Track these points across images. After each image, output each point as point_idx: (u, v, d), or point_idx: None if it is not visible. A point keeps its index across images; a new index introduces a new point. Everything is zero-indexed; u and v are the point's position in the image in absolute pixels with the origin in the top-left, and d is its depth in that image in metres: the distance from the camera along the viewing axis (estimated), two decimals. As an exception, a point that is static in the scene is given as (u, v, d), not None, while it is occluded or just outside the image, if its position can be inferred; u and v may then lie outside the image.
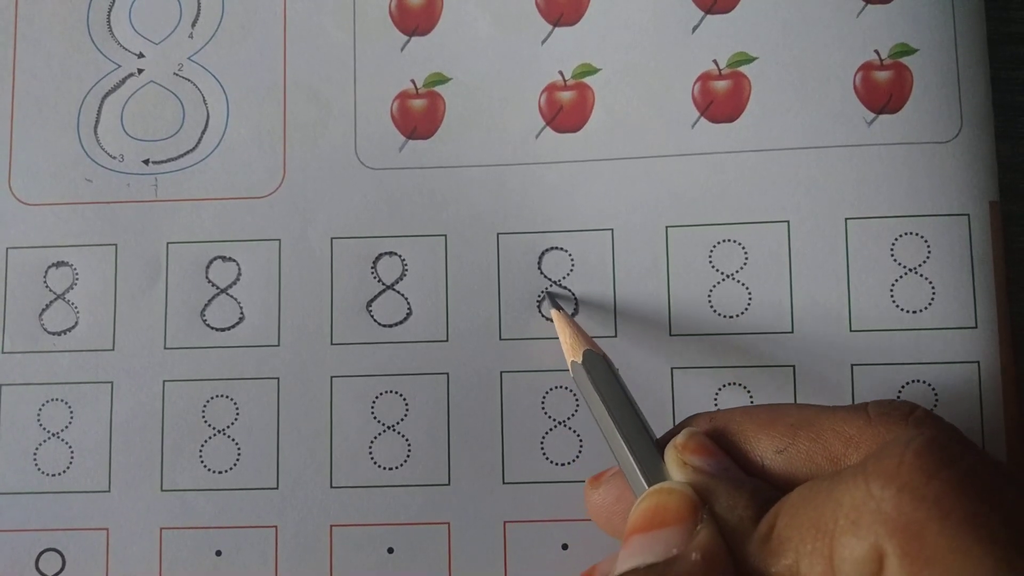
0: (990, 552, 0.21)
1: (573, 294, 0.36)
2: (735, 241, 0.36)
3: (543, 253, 0.37)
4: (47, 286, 0.37)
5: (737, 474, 0.27)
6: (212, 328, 0.37)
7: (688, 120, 0.37)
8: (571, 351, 0.32)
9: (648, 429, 0.29)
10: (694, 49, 0.37)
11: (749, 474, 0.27)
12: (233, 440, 0.36)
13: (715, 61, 0.37)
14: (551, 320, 0.36)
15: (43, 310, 0.37)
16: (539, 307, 0.36)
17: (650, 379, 0.36)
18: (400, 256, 0.37)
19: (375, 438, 0.36)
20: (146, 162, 0.38)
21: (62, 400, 0.37)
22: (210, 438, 0.36)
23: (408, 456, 0.36)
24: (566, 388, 0.36)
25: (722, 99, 0.37)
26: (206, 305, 0.37)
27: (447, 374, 0.36)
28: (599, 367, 0.31)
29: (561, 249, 0.36)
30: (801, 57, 0.36)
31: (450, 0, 0.38)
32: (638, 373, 0.36)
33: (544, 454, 0.36)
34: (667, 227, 0.36)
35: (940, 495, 0.22)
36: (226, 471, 0.36)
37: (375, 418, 0.36)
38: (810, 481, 0.25)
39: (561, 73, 0.37)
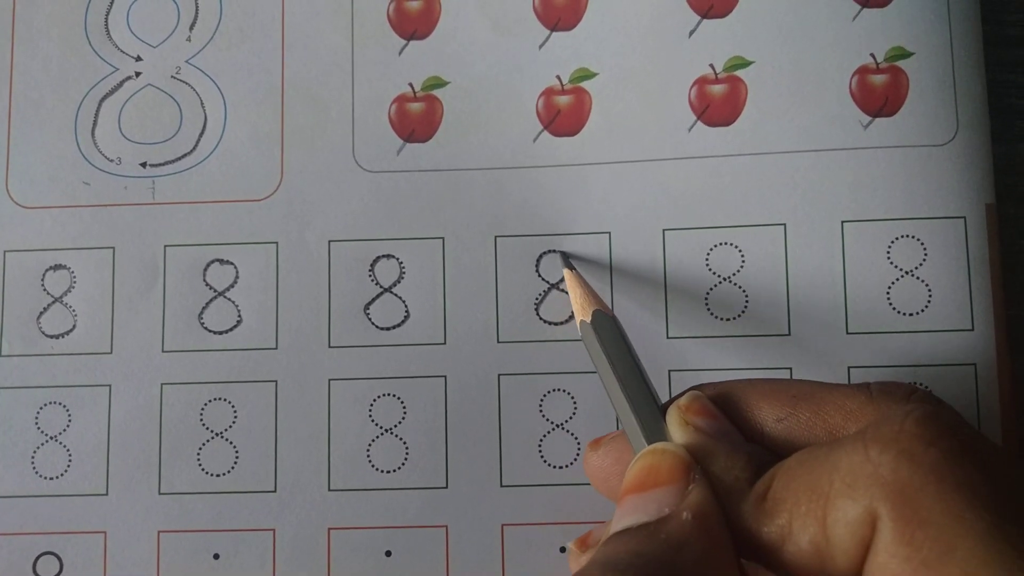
0: (981, 517, 0.22)
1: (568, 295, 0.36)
2: (732, 244, 0.36)
3: (541, 256, 0.37)
4: (45, 289, 0.37)
5: (736, 438, 0.27)
6: (210, 331, 0.37)
7: (685, 124, 0.37)
8: (581, 310, 0.33)
9: (653, 391, 0.30)
10: (690, 53, 0.37)
11: (749, 440, 0.27)
12: (231, 443, 0.36)
13: (711, 65, 0.37)
14: (550, 322, 0.36)
15: (41, 313, 0.37)
16: (536, 310, 0.36)
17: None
18: (398, 259, 0.37)
19: (373, 441, 0.36)
20: (143, 165, 0.38)
21: (60, 403, 0.37)
22: (208, 441, 0.36)
23: (406, 459, 0.36)
24: (564, 391, 0.36)
25: (718, 103, 0.37)
26: (204, 308, 0.37)
27: (445, 377, 0.36)
28: (607, 327, 0.32)
29: (559, 252, 0.36)
30: (797, 61, 0.36)
31: (448, 4, 0.38)
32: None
33: (542, 457, 0.36)
34: (664, 230, 0.36)
35: (937, 462, 0.23)
36: (224, 474, 0.36)
37: (373, 421, 0.36)
38: (808, 447, 0.25)
39: (559, 77, 0.37)
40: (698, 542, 0.24)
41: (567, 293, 0.36)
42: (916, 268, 0.35)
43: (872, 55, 0.36)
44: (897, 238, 0.35)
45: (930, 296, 0.35)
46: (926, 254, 0.35)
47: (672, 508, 0.25)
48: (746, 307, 0.36)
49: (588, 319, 0.32)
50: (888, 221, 0.35)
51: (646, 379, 0.30)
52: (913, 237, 0.35)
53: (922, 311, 0.35)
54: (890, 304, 0.35)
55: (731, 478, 0.25)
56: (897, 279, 0.35)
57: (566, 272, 0.35)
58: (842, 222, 0.36)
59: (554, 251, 0.36)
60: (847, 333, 0.35)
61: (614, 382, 0.30)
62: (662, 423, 0.28)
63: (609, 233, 0.36)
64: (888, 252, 0.35)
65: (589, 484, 0.35)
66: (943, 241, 0.35)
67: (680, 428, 0.27)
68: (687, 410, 0.28)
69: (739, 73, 0.37)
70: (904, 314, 0.35)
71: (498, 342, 0.36)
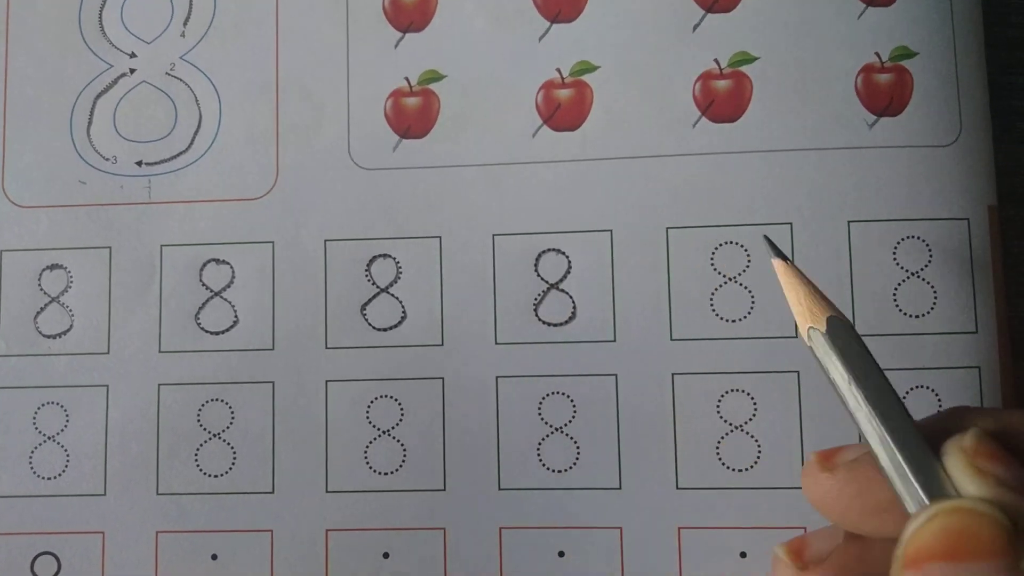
0: None
1: (571, 297, 0.36)
2: (737, 243, 0.35)
3: (540, 255, 0.36)
4: (41, 289, 0.37)
5: None
6: (206, 331, 0.37)
7: (689, 119, 0.36)
8: (809, 316, 0.26)
9: (911, 418, 0.25)
10: (695, 48, 0.36)
11: None
12: (228, 444, 0.36)
13: (716, 60, 0.36)
14: (549, 324, 0.36)
15: (38, 313, 0.37)
16: (535, 311, 0.36)
17: (650, 385, 0.35)
18: (394, 258, 0.36)
19: (370, 442, 0.36)
20: (139, 163, 0.37)
21: (57, 403, 0.37)
22: (205, 442, 0.36)
23: (403, 461, 0.36)
24: (563, 394, 0.35)
25: (723, 99, 0.36)
26: (200, 308, 0.37)
27: (442, 379, 0.36)
28: (847, 337, 0.26)
29: (559, 251, 0.36)
30: (803, 57, 0.35)
31: (445, -4, 0.37)
32: (637, 379, 0.35)
33: (540, 460, 0.35)
34: (667, 228, 0.36)
35: None
36: (221, 475, 0.36)
37: (370, 422, 0.36)
38: None
39: (559, 71, 0.36)
40: None
41: (566, 293, 0.36)
42: (921, 270, 0.34)
43: (877, 54, 0.35)
44: (903, 239, 0.34)
45: (935, 298, 0.34)
46: (931, 255, 0.34)
47: None
48: (752, 308, 0.35)
49: (822, 327, 0.26)
50: (893, 222, 0.34)
51: (903, 404, 0.25)
52: (918, 238, 0.34)
53: (927, 313, 0.34)
54: (896, 306, 0.34)
55: None
56: (903, 280, 0.34)
57: (778, 264, 0.28)
58: (848, 222, 0.35)
59: (769, 239, 0.30)
60: (853, 336, 0.34)
61: (865, 408, 0.25)
62: (938, 467, 0.23)
63: (611, 231, 0.36)
64: (894, 253, 0.34)
65: (588, 489, 0.35)
66: (947, 242, 0.34)
67: (972, 478, 0.23)
68: (977, 454, 0.23)
69: (744, 69, 0.36)
70: (910, 316, 0.34)
71: (496, 343, 0.36)
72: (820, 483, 0.26)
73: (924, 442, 0.24)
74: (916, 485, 0.23)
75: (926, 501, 0.23)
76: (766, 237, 0.30)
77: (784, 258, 0.28)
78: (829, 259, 0.35)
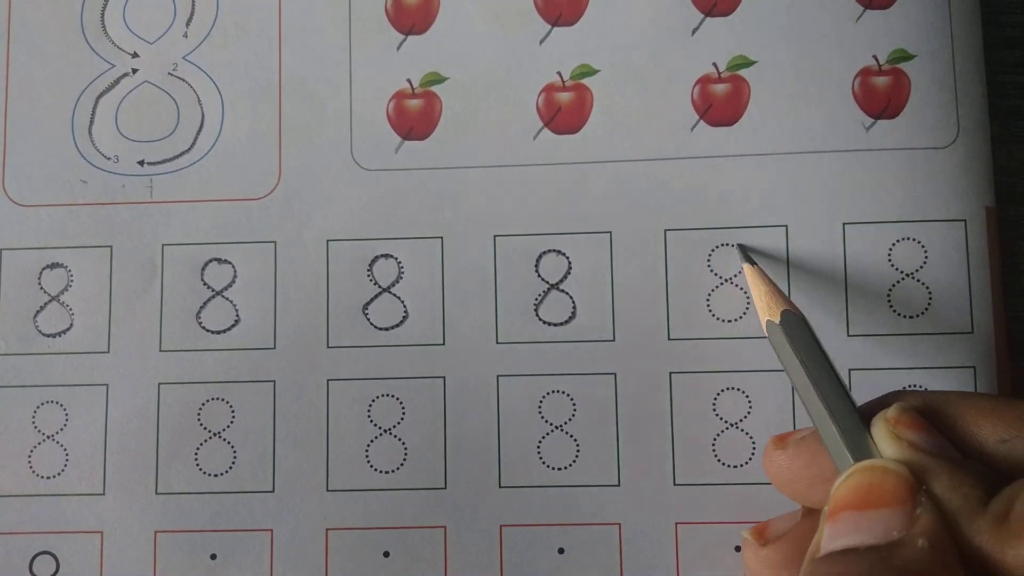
0: None
1: (571, 297, 0.36)
2: (733, 245, 0.36)
3: (541, 255, 0.36)
4: (42, 288, 0.37)
5: (955, 454, 0.26)
6: (207, 331, 0.37)
7: (687, 123, 0.36)
8: (767, 309, 0.31)
9: (851, 397, 0.28)
10: (693, 51, 0.37)
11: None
12: (229, 443, 0.36)
13: (715, 64, 0.36)
14: (550, 323, 0.36)
15: (38, 312, 0.37)
16: (536, 310, 0.36)
17: (648, 384, 0.36)
18: (396, 258, 0.37)
19: (371, 441, 0.36)
20: (141, 163, 0.37)
21: (57, 402, 0.37)
22: (205, 441, 0.36)
23: (405, 460, 0.36)
24: (563, 393, 0.36)
25: (721, 102, 0.36)
26: (201, 307, 0.37)
27: (444, 378, 0.36)
28: (798, 328, 0.30)
29: (559, 252, 0.36)
30: (800, 61, 0.36)
31: (447, -1, 0.37)
32: (636, 377, 0.36)
33: (541, 458, 0.36)
34: (665, 230, 0.36)
35: None
36: (221, 474, 0.36)
37: (371, 421, 0.36)
38: None
39: (559, 74, 0.37)
40: (936, 571, 0.23)
41: (567, 294, 0.36)
42: (917, 270, 0.35)
43: (875, 57, 0.36)
44: (898, 240, 0.35)
45: (930, 299, 0.35)
46: (926, 256, 0.35)
47: (901, 532, 0.24)
48: (747, 309, 0.36)
49: (777, 319, 0.31)
50: (889, 223, 0.35)
51: (843, 384, 0.29)
52: (914, 239, 0.35)
53: (922, 313, 0.35)
54: (891, 306, 0.35)
55: (960, 497, 0.24)
56: (898, 281, 0.35)
57: (747, 268, 0.34)
58: (843, 224, 0.35)
59: (743, 246, 0.36)
60: (848, 335, 0.35)
61: (810, 388, 0.29)
62: (867, 435, 0.27)
63: (610, 232, 0.36)
64: (889, 254, 0.35)
65: (588, 486, 0.35)
66: (944, 244, 0.35)
67: (891, 442, 0.26)
68: (898, 423, 0.26)
69: (742, 73, 0.36)
70: (905, 316, 0.35)
71: (497, 343, 0.36)
72: (774, 459, 0.30)
73: (858, 417, 0.28)
74: (847, 452, 0.27)
75: (851, 463, 0.26)
76: (738, 245, 0.35)
77: (752, 263, 0.34)
78: (824, 261, 0.35)
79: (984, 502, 0.24)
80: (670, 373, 0.36)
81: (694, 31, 0.37)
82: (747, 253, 0.35)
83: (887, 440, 0.26)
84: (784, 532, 0.30)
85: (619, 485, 0.35)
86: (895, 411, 0.27)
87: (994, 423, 0.26)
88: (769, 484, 0.35)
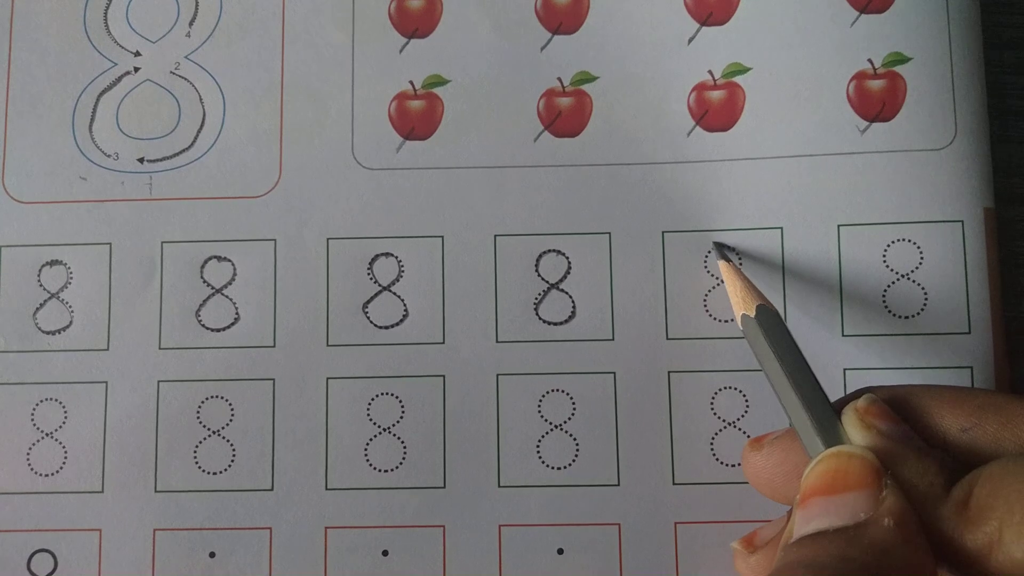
0: None
1: (571, 297, 0.36)
2: (730, 247, 0.36)
3: (541, 255, 0.37)
4: (41, 285, 0.37)
5: (920, 443, 0.27)
6: (207, 328, 0.37)
7: (684, 129, 0.37)
8: (742, 304, 0.32)
9: (823, 389, 0.29)
10: (690, 60, 0.37)
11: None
12: (228, 441, 0.36)
13: (710, 72, 0.37)
14: (549, 322, 0.36)
15: (37, 309, 0.37)
16: (536, 310, 0.36)
17: (647, 383, 0.36)
18: (397, 257, 0.37)
19: (370, 440, 0.36)
20: (141, 160, 0.37)
21: (56, 400, 0.36)
22: (205, 439, 0.36)
23: (404, 458, 0.36)
24: (563, 392, 0.36)
25: (717, 109, 0.37)
26: (201, 305, 0.37)
27: (443, 376, 0.36)
28: (772, 322, 0.31)
29: (559, 252, 0.37)
30: (795, 67, 0.37)
31: (450, 3, 0.38)
32: (635, 377, 0.36)
33: (540, 458, 0.36)
34: (663, 232, 0.37)
35: None
36: (220, 472, 0.36)
37: (371, 420, 0.36)
38: (1011, 455, 0.25)
39: (560, 80, 0.37)
40: (902, 548, 0.24)
41: (566, 293, 0.36)
42: (912, 271, 0.36)
43: (870, 60, 0.36)
44: (893, 242, 0.36)
45: (925, 299, 0.36)
46: (922, 258, 0.36)
47: (868, 513, 0.25)
48: (711, 249, 0.36)
49: (752, 313, 0.31)
50: (884, 225, 0.36)
51: (814, 377, 0.29)
52: (909, 241, 0.36)
53: (918, 314, 0.36)
54: (886, 307, 0.36)
55: (924, 483, 0.25)
56: (893, 282, 0.36)
57: (723, 265, 0.35)
58: (838, 226, 0.36)
59: (720, 244, 0.36)
60: (843, 335, 0.36)
61: (784, 380, 0.29)
62: (838, 425, 0.28)
63: (609, 234, 0.37)
64: (884, 255, 0.36)
65: (587, 486, 0.36)
66: (940, 245, 0.36)
67: (860, 431, 0.27)
68: (866, 413, 0.27)
69: (737, 79, 0.37)
70: (900, 317, 0.36)
71: (497, 342, 0.36)
72: (750, 460, 0.31)
73: (831, 408, 0.28)
74: (819, 440, 0.28)
75: (822, 451, 0.27)
76: (715, 243, 0.36)
77: (727, 260, 0.35)
78: (819, 262, 0.36)
79: (946, 488, 0.25)
80: (669, 372, 0.36)
81: (690, 40, 0.37)
82: (723, 251, 0.36)
83: (856, 428, 0.27)
84: (771, 538, 0.30)
85: (618, 485, 0.36)
86: (864, 401, 0.28)
87: (956, 413, 0.27)
88: (767, 483, 0.35)
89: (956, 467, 0.26)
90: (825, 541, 0.25)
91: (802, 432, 0.28)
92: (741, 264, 0.36)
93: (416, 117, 0.37)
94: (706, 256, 0.36)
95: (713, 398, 0.36)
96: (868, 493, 0.25)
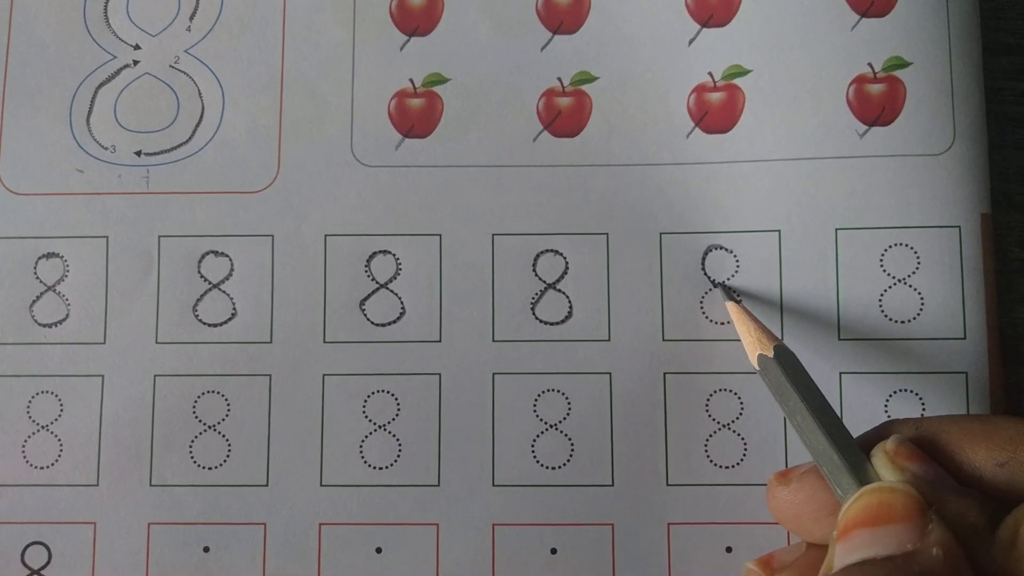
0: None
1: (568, 297, 0.36)
2: (727, 249, 0.36)
3: (538, 255, 0.37)
4: (37, 277, 0.37)
5: (954, 483, 0.26)
6: (204, 323, 0.37)
7: (683, 130, 0.37)
8: (758, 345, 0.32)
9: (846, 428, 0.29)
10: (690, 61, 0.37)
11: (962, 485, 0.27)
12: (224, 436, 0.36)
13: (710, 73, 0.37)
14: (546, 322, 0.36)
15: (34, 301, 0.37)
16: (532, 309, 0.36)
17: (642, 384, 0.36)
18: (394, 255, 0.37)
19: (366, 437, 0.36)
20: (138, 154, 0.37)
21: (52, 393, 0.36)
22: (200, 434, 0.36)
23: (399, 456, 0.36)
24: (559, 391, 0.36)
25: (716, 110, 0.37)
26: (198, 300, 0.37)
27: (439, 374, 0.36)
28: (791, 361, 0.31)
29: (556, 252, 0.37)
30: (795, 70, 0.37)
31: (451, 2, 0.38)
32: (630, 378, 0.36)
33: (535, 457, 0.36)
34: (661, 234, 0.37)
35: None
36: (216, 467, 0.36)
37: (366, 417, 0.36)
38: None
39: (560, 79, 0.37)
40: None
41: (563, 293, 0.36)
42: (909, 276, 0.36)
43: (870, 64, 0.36)
44: (890, 246, 0.36)
45: (922, 304, 0.36)
46: (919, 262, 0.36)
47: (914, 544, 0.24)
48: (715, 288, 0.36)
49: (770, 354, 0.31)
50: (882, 229, 0.36)
51: (838, 416, 0.29)
52: (906, 245, 0.36)
53: (914, 319, 0.36)
54: (882, 311, 0.36)
55: (967, 523, 0.25)
56: (890, 287, 0.36)
57: (731, 306, 0.35)
58: (836, 229, 0.36)
59: (724, 285, 0.36)
60: (839, 339, 0.36)
61: (810, 420, 0.29)
62: (867, 465, 0.28)
63: (607, 234, 0.37)
64: (881, 260, 0.36)
65: (581, 486, 0.36)
66: (937, 250, 0.36)
67: (891, 473, 0.27)
68: (896, 454, 0.27)
69: (737, 81, 0.37)
70: (896, 321, 0.36)
71: (493, 341, 0.36)
72: (777, 495, 0.30)
73: (857, 448, 0.28)
74: (852, 479, 0.27)
75: (857, 489, 0.27)
76: (720, 285, 0.36)
77: (736, 301, 0.35)
78: (815, 265, 0.36)
79: (988, 529, 0.25)
80: (664, 374, 0.36)
81: (691, 41, 0.37)
82: (730, 293, 0.36)
83: (888, 471, 0.27)
84: (790, 562, 0.30)
85: (612, 485, 0.36)
86: (893, 443, 0.27)
87: (988, 447, 0.27)
88: (761, 485, 0.35)
89: (994, 506, 0.25)
90: (872, 568, 0.24)
91: (831, 472, 0.28)
92: (738, 268, 0.36)
93: (416, 115, 0.37)
94: (703, 258, 0.36)
95: (708, 400, 0.36)
96: (914, 526, 0.25)
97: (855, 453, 0.28)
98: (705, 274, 0.36)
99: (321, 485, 0.36)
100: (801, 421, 0.30)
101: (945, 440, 0.28)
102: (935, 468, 0.27)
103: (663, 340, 0.36)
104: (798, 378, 0.30)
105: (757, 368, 0.32)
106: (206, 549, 0.36)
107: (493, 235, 0.37)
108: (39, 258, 0.37)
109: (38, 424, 0.36)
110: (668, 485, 0.36)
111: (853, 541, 0.25)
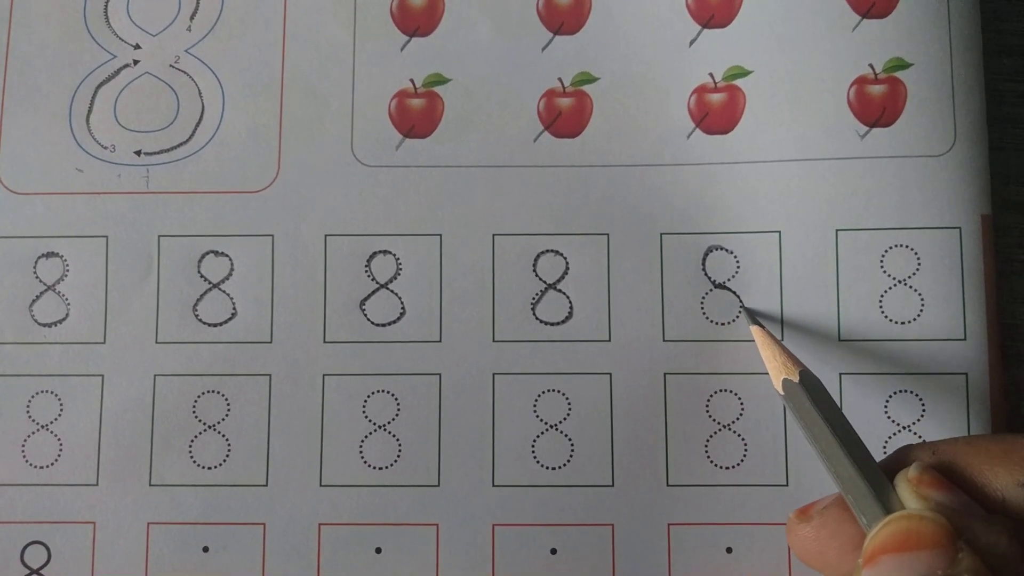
0: None
1: (568, 298, 0.36)
2: (727, 250, 0.36)
3: (539, 255, 0.37)
4: (37, 277, 0.37)
5: (980, 510, 0.26)
6: (204, 323, 0.37)
7: (684, 131, 0.37)
8: (783, 369, 0.32)
9: (871, 454, 0.29)
10: (691, 62, 0.37)
11: (987, 510, 0.26)
12: (223, 436, 0.36)
13: (711, 74, 0.37)
14: (546, 322, 0.36)
15: (33, 301, 0.37)
16: (533, 310, 0.36)
17: (643, 384, 0.36)
18: (395, 255, 0.37)
19: (366, 437, 0.36)
20: (138, 153, 0.37)
21: (52, 392, 0.36)
22: (200, 434, 0.36)
23: (398, 456, 0.36)
24: (559, 392, 0.36)
25: (717, 111, 0.37)
26: (198, 300, 0.37)
27: (439, 375, 0.36)
28: (816, 387, 0.31)
29: (557, 252, 0.37)
30: (796, 71, 0.37)
31: (452, 3, 0.38)
32: (631, 378, 0.36)
33: (535, 458, 0.36)
34: (661, 234, 0.37)
35: None
36: (215, 467, 0.36)
37: (366, 417, 0.36)
38: None
39: (560, 80, 0.37)
40: None
41: (563, 293, 0.36)
42: (909, 277, 0.36)
43: (871, 65, 0.36)
44: (891, 247, 0.36)
45: (922, 305, 0.36)
46: (919, 263, 0.36)
47: (944, 572, 0.24)
48: (740, 313, 0.36)
49: (795, 379, 0.31)
50: (882, 230, 0.36)
51: (863, 443, 0.29)
52: (907, 247, 0.36)
53: (914, 320, 0.36)
54: (882, 312, 0.36)
55: (998, 552, 0.25)
56: (890, 288, 0.36)
57: (756, 331, 0.34)
58: (836, 230, 0.36)
59: (749, 309, 0.36)
60: (839, 340, 0.36)
61: (835, 447, 0.29)
62: (892, 492, 0.27)
63: (607, 235, 0.37)
64: (881, 261, 0.36)
65: (581, 486, 0.36)
66: (937, 251, 0.36)
67: (916, 501, 0.26)
68: (920, 483, 0.27)
69: (738, 82, 0.37)
70: (896, 322, 0.36)
71: (494, 341, 0.36)
72: (799, 533, 0.29)
73: (883, 475, 0.28)
74: (878, 506, 0.27)
75: (883, 517, 0.26)
76: (744, 308, 0.36)
77: (760, 325, 0.35)
78: (816, 266, 0.36)
79: (1020, 557, 0.25)
80: (664, 374, 0.36)
81: (691, 42, 0.37)
82: (754, 316, 0.36)
83: (913, 500, 0.27)
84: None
85: (613, 485, 0.36)
86: (916, 471, 0.27)
87: (1008, 467, 0.27)
88: (760, 486, 0.35)
89: (1021, 528, 0.25)
90: None
91: (855, 499, 0.28)
92: (739, 268, 0.36)
93: (416, 115, 0.37)
94: (704, 258, 0.36)
95: (708, 400, 0.36)
96: (943, 553, 0.25)
97: (880, 481, 0.28)
98: (706, 275, 0.36)
99: (321, 485, 0.36)
100: (826, 448, 0.29)
101: (964, 464, 0.27)
102: (960, 495, 0.26)
103: (663, 341, 0.36)
104: (823, 404, 0.30)
105: (781, 393, 0.31)
106: (205, 549, 0.36)
107: (493, 235, 0.37)
108: (39, 257, 0.37)
109: (38, 424, 0.36)
110: (668, 486, 0.36)
111: (880, 567, 0.25)
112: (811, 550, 0.29)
